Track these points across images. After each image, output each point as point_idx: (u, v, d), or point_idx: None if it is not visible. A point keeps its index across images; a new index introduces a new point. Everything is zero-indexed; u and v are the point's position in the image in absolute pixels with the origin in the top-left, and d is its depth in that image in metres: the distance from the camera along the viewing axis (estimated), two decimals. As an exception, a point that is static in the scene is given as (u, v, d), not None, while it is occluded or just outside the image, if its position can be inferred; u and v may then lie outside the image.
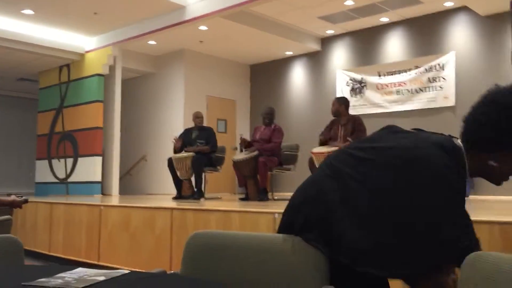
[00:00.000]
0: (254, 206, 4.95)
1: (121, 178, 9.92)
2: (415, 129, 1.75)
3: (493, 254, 1.17)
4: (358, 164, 1.57)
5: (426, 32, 8.68)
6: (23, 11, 8.19)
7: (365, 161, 1.57)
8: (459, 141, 1.60)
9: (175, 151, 7.15)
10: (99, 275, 1.14)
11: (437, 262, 1.40)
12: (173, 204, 5.38)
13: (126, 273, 1.19)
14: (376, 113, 9.09)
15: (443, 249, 1.38)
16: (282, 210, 3.83)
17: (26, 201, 3.85)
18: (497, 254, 1.17)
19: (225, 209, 4.30)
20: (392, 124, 1.75)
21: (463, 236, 1.43)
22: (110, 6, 7.96)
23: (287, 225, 1.61)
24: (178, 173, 6.99)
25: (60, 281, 1.07)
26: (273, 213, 3.89)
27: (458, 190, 1.50)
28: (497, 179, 1.60)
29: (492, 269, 1.13)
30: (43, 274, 1.17)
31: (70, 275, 1.13)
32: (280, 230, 1.68)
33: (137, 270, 4.48)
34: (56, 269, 1.30)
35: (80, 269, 1.20)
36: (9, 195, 3.86)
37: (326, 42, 10.11)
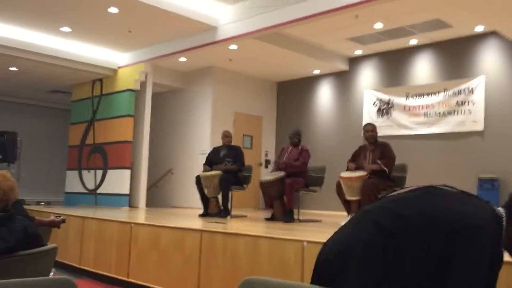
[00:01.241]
0: (281, 230, 5.03)
1: (147, 190, 10.11)
2: (451, 187, 1.71)
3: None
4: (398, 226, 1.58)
5: (455, 56, 8.67)
6: (61, 29, 8.50)
7: (400, 217, 1.58)
8: (500, 210, 1.58)
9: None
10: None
11: None
12: (202, 225, 5.50)
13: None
14: (403, 135, 9.08)
15: None
16: (309, 238, 3.90)
17: (63, 221, 4.02)
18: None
19: (254, 235, 4.38)
20: (432, 184, 1.72)
21: None
22: (144, 25, 8.19)
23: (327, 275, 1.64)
24: (206, 191, 7.12)
25: None
26: (302, 241, 3.95)
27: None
28: None
29: None
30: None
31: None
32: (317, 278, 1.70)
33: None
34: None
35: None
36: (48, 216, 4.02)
37: (354, 62, 10.16)
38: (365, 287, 1.50)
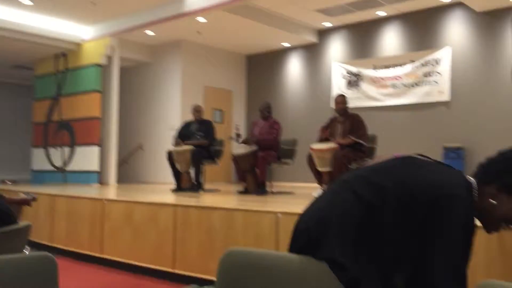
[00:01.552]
0: (255, 202, 5.08)
1: (118, 167, 9.99)
2: (425, 156, 1.75)
3: (503, 284, 1.28)
4: (372, 189, 1.62)
5: (422, 27, 8.78)
6: (21, 1, 8.16)
7: (379, 187, 1.61)
8: (471, 179, 1.63)
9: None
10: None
11: None
12: (175, 199, 5.50)
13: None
14: (371, 106, 9.22)
15: None
16: (284, 210, 3.96)
17: (34, 199, 3.96)
18: (506, 284, 1.28)
19: (229, 208, 4.41)
20: (409, 155, 1.74)
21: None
22: (108, -3, 7.96)
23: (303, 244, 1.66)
24: (178, 166, 7.09)
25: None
26: (276, 212, 4.01)
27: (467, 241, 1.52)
28: (491, 223, 1.63)
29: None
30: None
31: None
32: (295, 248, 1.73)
33: (141, 264, 4.59)
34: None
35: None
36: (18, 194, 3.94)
37: (323, 34, 10.17)
38: (344, 255, 1.53)
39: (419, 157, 1.73)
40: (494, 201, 1.57)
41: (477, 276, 2.69)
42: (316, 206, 1.74)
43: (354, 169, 1.79)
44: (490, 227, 1.65)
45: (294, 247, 1.70)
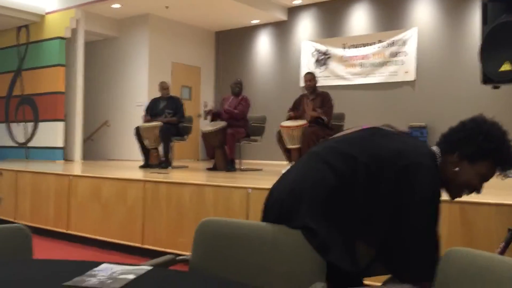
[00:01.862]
0: (225, 178, 5.10)
1: (83, 143, 9.80)
2: (391, 127, 1.81)
3: (468, 250, 1.36)
4: (340, 157, 1.66)
5: (391, 7, 8.88)
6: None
7: (349, 157, 1.65)
8: (433, 148, 1.71)
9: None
10: (128, 273, 1.25)
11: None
12: (144, 175, 5.45)
13: (150, 270, 1.30)
14: (339, 85, 9.31)
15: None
16: (253, 185, 4.00)
17: (1, 174, 3.85)
18: (471, 250, 1.36)
19: (199, 183, 4.42)
20: (376, 126, 1.80)
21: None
22: (73, -33, 7.68)
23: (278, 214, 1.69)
24: (146, 142, 7.02)
25: (94, 280, 1.18)
26: (246, 188, 4.04)
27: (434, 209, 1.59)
28: (454, 189, 1.71)
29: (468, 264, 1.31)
30: (70, 271, 1.27)
31: (99, 273, 1.23)
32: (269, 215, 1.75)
33: (110, 240, 4.56)
34: (76, 266, 1.40)
35: (105, 266, 1.31)
36: None
37: (293, 12, 10.15)
38: (315, 221, 1.57)
39: (385, 128, 1.78)
40: (456, 169, 1.65)
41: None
42: (287, 178, 1.78)
43: (323, 141, 1.83)
44: (453, 194, 1.73)
45: (267, 219, 1.73)
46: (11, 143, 10.11)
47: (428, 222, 1.54)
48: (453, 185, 1.69)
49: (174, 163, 7.28)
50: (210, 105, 6.88)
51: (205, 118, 6.87)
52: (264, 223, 1.67)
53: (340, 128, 6.09)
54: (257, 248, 1.57)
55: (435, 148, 1.70)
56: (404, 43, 8.66)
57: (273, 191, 1.79)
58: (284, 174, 1.84)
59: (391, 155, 1.60)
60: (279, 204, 1.70)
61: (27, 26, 9.81)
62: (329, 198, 1.60)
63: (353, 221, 1.59)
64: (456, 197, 1.74)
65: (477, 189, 1.68)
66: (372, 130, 1.76)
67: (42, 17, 9.45)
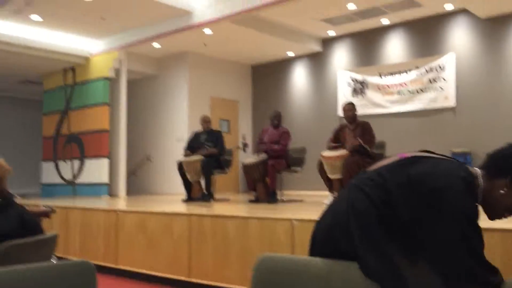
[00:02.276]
0: (268, 210, 5.14)
1: (126, 178, 10.07)
2: (425, 151, 1.86)
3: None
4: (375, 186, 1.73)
5: (426, 34, 8.87)
6: (31, 17, 8.29)
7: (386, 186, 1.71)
8: (475, 169, 1.73)
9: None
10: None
11: None
12: (189, 209, 5.56)
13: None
14: (378, 114, 9.28)
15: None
16: (297, 216, 4.01)
17: (53, 211, 4.02)
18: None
19: (243, 216, 4.47)
20: (413, 155, 1.83)
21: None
22: (117, 11, 8.08)
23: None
24: (188, 176, 7.16)
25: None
26: (291, 220, 4.06)
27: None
28: (496, 211, 1.73)
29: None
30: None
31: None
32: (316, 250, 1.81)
33: (157, 274, 4.65)
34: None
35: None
36: (37, 206, 4.01)
37: (327, 43, 10.27)
38: (367, 254, 1.61)
39: (422, 154, 1.82)
40: (503, 192, 1.67)
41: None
42: (331, 211, 1.83)
43: (361, 173, 1.89)
44: (494, 215, 1.75)
45: (315, 252, 1.78)
46: (59, 181, 10.50)
47: (461, 242, 1.57)
48: (496, 208, 1.71)
49: (216, 196, 7.38)
50: (248, 138, 7.01)
51: (244, 151, 6.98)
52: (316, 259, 1.71)
53: (381, 156, 6.06)
54: (313, 284, 1.61)
55: (477, 170, 1.72)
56: (442, 68, 8.59)
57: (319, 224, 1.84)
58: (328, 207, 1.89)
59: (418, 179, 1.65)
60: (326, 238, 1.75)
61: (73, 68, 10.31)
62: (372, 228, 1.65)
63: (398, 247, 1.62)
64: (496, 219, 1.76)
65: None
66: (407, 158, 1.80)
67: (87, 59, 9.93)
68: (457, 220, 1.56)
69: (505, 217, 1.74)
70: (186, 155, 7.29)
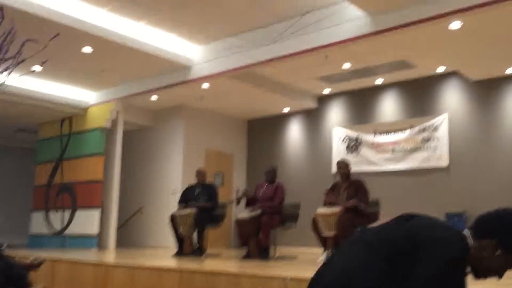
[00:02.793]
0: (260, 267, 5.02)
1: (117, 230, 9.89)
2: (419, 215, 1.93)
3: None
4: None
5: (420, 94, 9.06)
6: (32, 68, 8.41)
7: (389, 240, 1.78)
8: (465, 231, 1.80)
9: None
10: None
11: None
12: (180, 264, 5.43)
13: None
14: (371, 171, 9.31)
15: None
16: (291, 274, 3.92)
17: (42, 263, 3.90)
18: None
19: (235, 273, 4.37)
20: (403, 213, 1.93)
21: None
22: (117, 64, 8.23)
23: None
24: (180, 229, 7.05)
25: None
26: (284, 277, 3.97)
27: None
28: (480, 271, 1.77)
29: None
30: None
31: None
32: None
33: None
34: None
35: None
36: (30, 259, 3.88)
37: (323, 100, 10.44)
38: None
39: (414, 215, 1.90)
40: (488, 254, 1.73)
41: None
42: (332, 267, 1.82)
43: (360, 231, 1.95)
44: (480, 275, 1.79)
45: None
46: (47, 231, 10.29)
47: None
48: (482, 268, 1.76)
49: (208, 251, 7.24)
50: (241, 190, 6.97)
51: (237, 204, 6.92)
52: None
53: (375, 214, 6.02)
54: None
55: (466, 231, 1.79)
56: (435, 129, 8.72)
57: (316, 282, 1.83)
58: (326, 263, 1.88)
59: (416, 231, 1.75)
60: None
61: (70, 118, 10.37)
62: (377, 280, 1.69)
63: None
64: (481, 279, 1.80)
65: (501, 276, 1.77)
66: (403, 216, 1.89)
67: (84, 109, 10.01)
68: (438, 262, 1.64)
69: (491, 276, 1.79)
70: (179, 209, 7.21)
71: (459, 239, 1.73)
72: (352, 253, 1.82)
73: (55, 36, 4.70)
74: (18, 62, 4.17)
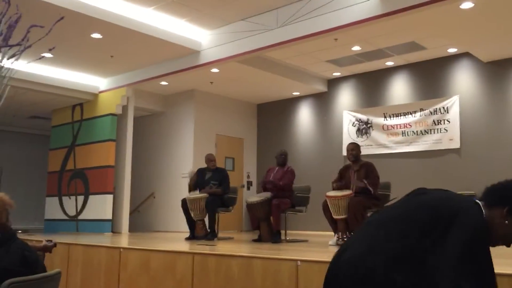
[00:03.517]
0: (271, 250, 5.08)
1: (129, 215, 10.02)
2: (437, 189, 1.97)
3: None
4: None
5: (430, 76, 8.98)
6: (43, 54, 8.46)
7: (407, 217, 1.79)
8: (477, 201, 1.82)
9: (190, 188, 7.33)
10: None
11: None
12: (191, 247, 5.51)
13: None
14: (382, 154, 9.29)
15: None
16: (301, 258, 3.96)
17: (55, 245, 3.96)
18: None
19: (247, 255, 4.43)
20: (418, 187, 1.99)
21: None
22: (127, 50, 8.25)
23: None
24: (192, 214, 7.13)
25: None
26: (296, 260, 4.02)
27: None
28: (491, 239, 1.78)
29: None
30: None
31: None
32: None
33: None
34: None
35: None
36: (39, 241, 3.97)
37: (333, 83, 10.40)
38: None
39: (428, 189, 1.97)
40: (499, 221, 1.76)
41: None
42: (351, 251, 1.81)
43: (376, 212, 1.95)
44: (492, 244, 1.80)
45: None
46: (62, 216, 10.45)
47: (468, 257, 1.63)
48: (494, 236, 1.77)
49: (219, 235, 7.32)
50: (252, 176, 7.03)
51: (248, 189, 6.98)
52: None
53: (386, 197, 6.03)
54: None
55: (478, 201, 1.82)
56: (446, 110, 8.66)
57: (336, 264, 1.83)
58: (343, 246, 1.89)
59: (443, 204, 1.76)
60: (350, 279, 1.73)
61: (81, 104, 10.45)
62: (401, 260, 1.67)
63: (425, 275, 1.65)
64: (492, 247, 1.82)
65: (510, 244, 1.81)
66: (414, 192, 1.95)
67: (96, 95, 10.08)
68: (469, 230, 1.65)
69: (500, 245, 1.81)
70: (192, 179, 7.30)
71: (478, 208, 1.75)
72: (367, 236, 1.82)
73: (59, 20, 4.69)
74: (24, 48, 4.20)
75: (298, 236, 7.53)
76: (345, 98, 10.20)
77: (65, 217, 10.36)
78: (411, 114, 9.10)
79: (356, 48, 8.40)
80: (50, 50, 5.22)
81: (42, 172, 11.80)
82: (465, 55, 8.50)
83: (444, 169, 8.57)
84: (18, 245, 2.69)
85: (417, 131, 8.99)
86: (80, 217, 10.02)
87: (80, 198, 10.09)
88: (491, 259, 1.68)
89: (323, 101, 10.54)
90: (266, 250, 5.09)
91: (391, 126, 9.34)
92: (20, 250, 2.63)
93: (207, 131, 10.61)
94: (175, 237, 7.82)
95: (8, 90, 4.31)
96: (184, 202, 7.19)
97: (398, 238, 1.72)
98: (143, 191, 11.00)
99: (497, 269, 2.90)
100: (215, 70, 8.90)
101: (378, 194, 5.83)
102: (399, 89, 9.44)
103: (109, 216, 9.45)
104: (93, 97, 10.11)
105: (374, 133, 9.57)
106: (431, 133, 8.82)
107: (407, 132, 9.11)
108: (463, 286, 1.56)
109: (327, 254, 4.76)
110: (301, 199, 6.87)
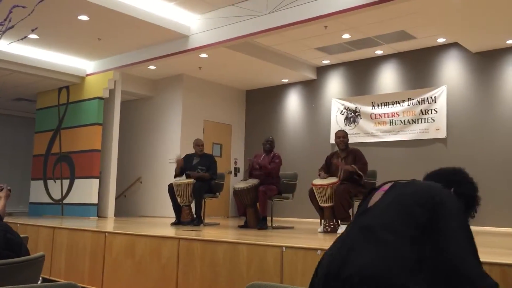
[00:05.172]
0: (257, 236, 5.10)
1: (115, 200, 9.98)
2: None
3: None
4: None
5: (419, 66, 9.01)
6: (28, 36, 8.32)
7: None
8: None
9: (176, 173, 7.31)
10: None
11: None
12: (177, 233, 5.50)
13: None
14: (369, 142, 9.34)
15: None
16: (287, 244, 3.98)
17: (10, 191, 3.75)
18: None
19: (233, 241, 4.43)
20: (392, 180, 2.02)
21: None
22: (114, 33, 8.14)
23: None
24: (178, 199, 7.12)
25: None
26: (281, 246, 4.03)
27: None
28: None
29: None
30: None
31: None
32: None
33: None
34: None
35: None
36: None
37: (321, 71, 10.39)
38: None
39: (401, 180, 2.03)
40: None
41: None
42: (344, 247, 1.76)
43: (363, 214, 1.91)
44: None
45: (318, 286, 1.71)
46: (47, 200, 10.38)
47: (470, 239, 1.71)
48: None
49: (205, 220, 7.33)
50: (240, 163, 7.02)
51: (235, 175, 6.97)
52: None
53: (372, 185, 6.07)
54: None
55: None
56: (434, 100, 8.71)
57: (326, 262, 1.76)
58: (346, 246, 1.79)
59: (420, 194, 1.82)
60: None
61: (67, 87, 10.32)
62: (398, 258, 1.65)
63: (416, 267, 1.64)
64: None
65: None
66: (394, 185, 1.98)
67: (82, 78, 9.95)
68: (460, 218, 1.74)
69: None
70: (178, 163, 7.27)
71: (448, 190, 1.88)
72: (371, 243, 1.72)
73: (41, 0, 4.61)
74: (7, 28, 4.11)
75: (284, 223, 7.57)
76: (334, 86, 10.20)
77: (50, 201, 10.28)
78: (399, 103, 9.14)
79: (346, 36, 8.38)
80: (33, 31, 5.12)
81: (27, 155, 11.68)
82: (454, 45, 8.53)
83: (430, 158, 8.64)
84: (1, 227, 2.66)
85: (404, 120, 9.04)
86: (66, 201, 9.95)
87: (66, 182, 10.01)
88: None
89: (311, 88, 10.53)
90: (252, 236, 5.11)
91: (379, 115, 9.38)
92: (2, 233, 2.60)
93: (195, 116, 10.56)
94: (161, 222, 7.81)
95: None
96: (170, 188, 7.17)
97: (407, 244, 1.68)
98: (130, 176, 10.95)
99: (489, 259, 2.96)
100: (203, 55, 8.83)
101: (364, 182, 5.86)
102: (388, 78, 9.46)
103: (95, 201, 9.40)
104: (80, 80, 9.98)
105: (362, 122, 9.60)
106: (418, 123, 8.87)
107: (395, 121, 9.16)
108: (467, 246, 1.66)
109: (313, 241, 4.80)
110: (288, 186, 6.90)
